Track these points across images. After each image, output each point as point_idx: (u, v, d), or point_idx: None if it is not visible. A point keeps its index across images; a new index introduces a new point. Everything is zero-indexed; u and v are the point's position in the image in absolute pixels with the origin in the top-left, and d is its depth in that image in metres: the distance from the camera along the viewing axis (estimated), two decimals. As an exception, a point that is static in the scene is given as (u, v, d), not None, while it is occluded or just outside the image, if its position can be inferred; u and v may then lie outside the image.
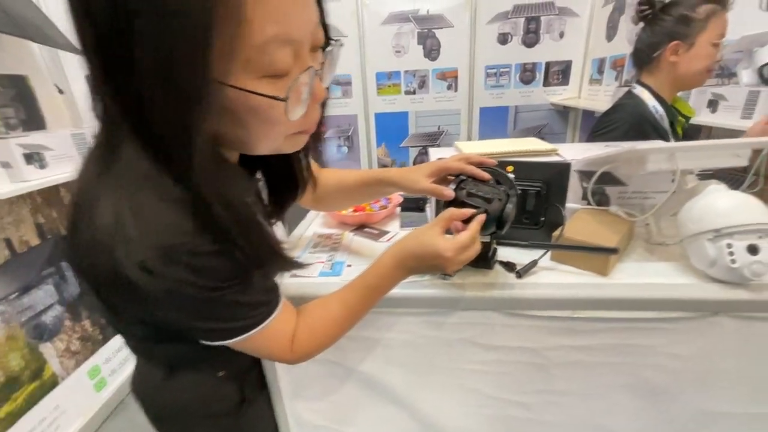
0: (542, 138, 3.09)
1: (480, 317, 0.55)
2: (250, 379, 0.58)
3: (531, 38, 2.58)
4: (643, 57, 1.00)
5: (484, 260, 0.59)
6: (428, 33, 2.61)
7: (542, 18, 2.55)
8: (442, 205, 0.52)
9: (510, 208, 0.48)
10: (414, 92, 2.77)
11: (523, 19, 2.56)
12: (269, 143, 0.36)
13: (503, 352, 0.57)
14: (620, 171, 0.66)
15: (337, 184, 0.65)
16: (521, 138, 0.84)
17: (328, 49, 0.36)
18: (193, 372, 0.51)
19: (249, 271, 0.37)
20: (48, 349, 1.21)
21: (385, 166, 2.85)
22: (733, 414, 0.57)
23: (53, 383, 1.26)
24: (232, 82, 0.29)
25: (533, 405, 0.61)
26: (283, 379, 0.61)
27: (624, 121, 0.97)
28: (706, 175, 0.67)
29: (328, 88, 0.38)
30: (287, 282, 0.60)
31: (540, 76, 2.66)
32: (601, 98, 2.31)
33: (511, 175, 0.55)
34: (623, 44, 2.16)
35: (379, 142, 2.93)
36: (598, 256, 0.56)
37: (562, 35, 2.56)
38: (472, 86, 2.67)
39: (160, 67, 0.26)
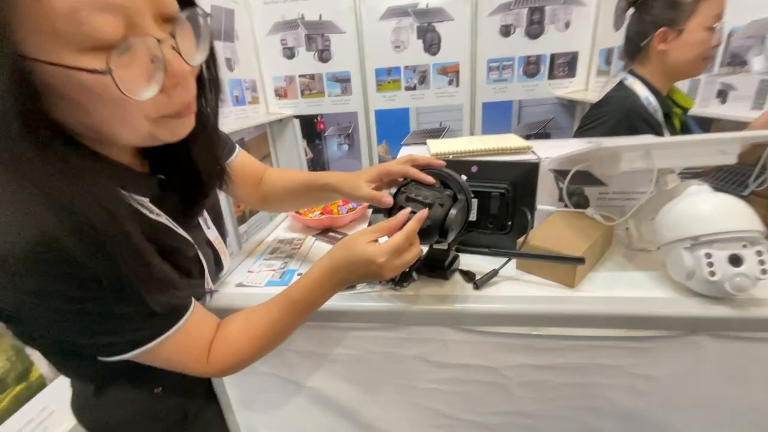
0: (548, 133, 3.01)
1: (432, 332, 0.50)
2: (195, 393, 0.55)
3: (535, 29, 2.48)
4: (633, 46, 0.93)
5: (440, 269, 0.54)
6: (428, 27, 2.54)
7: (547, 8, 2.45)
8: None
9: (454, 214, 0.43)
10: (414, 88, 2.70)
11: (526, 10, 2.46)
12: (130, 130, 0.31)
13: (459, 370, 0.52)
14: (597, 170, 0.60)
15: (283, 185, 0.61)
16: (498, 135, 0.78)
17: (181, 14, 0.31)
18: (127, 388, 0.48)
19: (119, 280, 0.32)
20: (35, 351, 1.22)
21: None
22: (719, 442, 0.51)
23: (41, 385, 1.26)
24: (44, 57, 0.25)
25: (496, 426, 0.56)
26: (231, 390, 0.58)
27: (611, 115, 0.90)
28: (697, 174, 0.61)
29: (210, 68, 0.35)
30: (231, 292, 0.56)
31: (545, 68, 2.56)
32: (609, 90, 2.21)
33: (464, 177, 0.50)
34: (631, 33, 2.05)
35: (379, 140, 2.89)
36: (564, 265, 0.51)
37: (567, 25, 2.45)
38: (474, 81, 2.59)
39: None
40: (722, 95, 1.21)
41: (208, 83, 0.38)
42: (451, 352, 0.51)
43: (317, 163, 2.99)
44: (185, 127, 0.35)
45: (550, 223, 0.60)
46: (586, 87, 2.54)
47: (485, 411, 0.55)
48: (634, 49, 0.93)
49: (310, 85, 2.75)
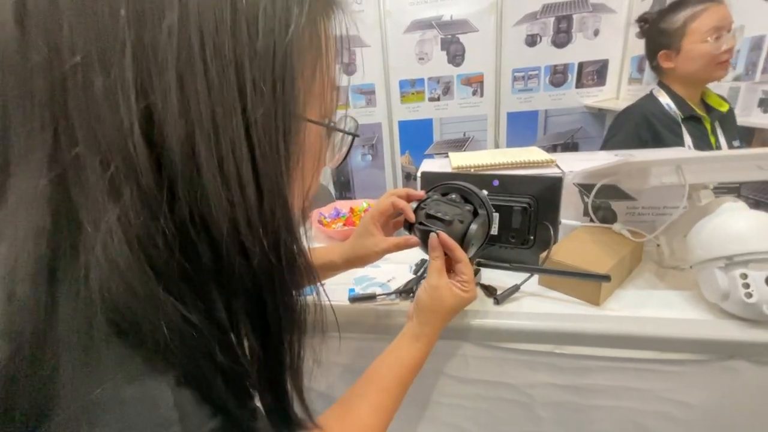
0: (576, 143, 2.93)
1: (452, 347, 0.50)
2: None
3: (562, 38, 2.45)
4: (650, 65, 1.06)
5: (460, 283, 0.54)
6: (452, 39, 2.56)
7: (574, 16, 2.41)
8: None
9: (474, 229, 0.43)
10: (438, 99, 2.72)
11: (552, 19, 2.43)
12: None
13: (480, 386, 0.52)
14: (625, 184, 0.58)
15: None
16: (521, 148, 0.78)
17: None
18: None
19: None
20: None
21: (409, 173, 2.81)
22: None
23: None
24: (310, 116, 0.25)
25: (518, 446, 0.55)
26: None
27: (628, 122, 1.00)
28: (732, 189, 0.58)
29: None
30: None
31: (572, 77, 2.51)
32: (640, 99, 2.14)
33: (485, 192, 0.50)
34: (664, 39, 1.98)
35: (402, 150, 2.91)
36: (589, 282, 0.49)
37: (596, 33, 2.40)
38: (498, 91, 2.57)
39: None
40: (764, 104, 1.14)
41: None
42: (472, 368, 0.51)
43: (341, 173, 3.04)
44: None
45: (575, 238, 0.58)
46: (617, 95, 2.47)
47: (508, 429, 0.54)
48: (651, 67, 1.06)
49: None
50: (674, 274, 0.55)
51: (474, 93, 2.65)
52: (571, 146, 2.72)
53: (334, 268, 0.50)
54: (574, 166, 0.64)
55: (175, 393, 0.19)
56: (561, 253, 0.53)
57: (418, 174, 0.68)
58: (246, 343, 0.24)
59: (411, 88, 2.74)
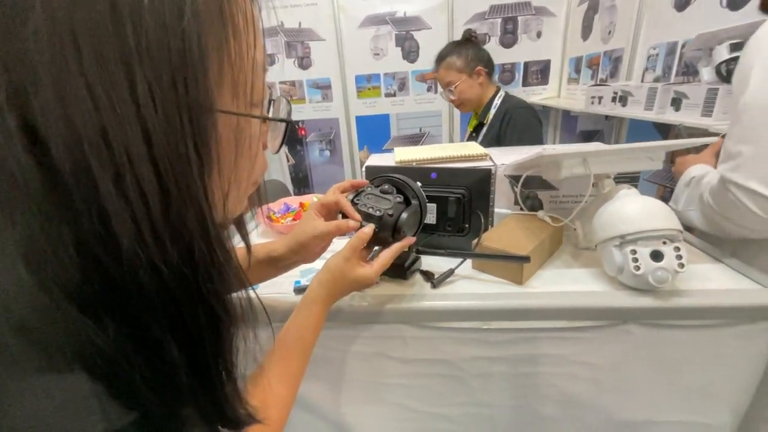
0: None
1: (392, 330, 0.54)
2: None
3: (509, 38, 2.57)
4: None
5: (400, 270, 0.58)
6: (406, 35, 2.60)
7: (519, 18, 2.54)
8: None
9: (405, 217, 0.47)
10: (394, 94, 2.76)
11: (500, 20, 2.55)
12: (243, 196, 0.29)
13: (420, 364, 0.56)
14: (545, 176, 0.65)
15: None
16: (460, 143, 0.83)
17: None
18: None
19: None
20: None
21: (367, 169, 2.84)
22: (655, 422, 0.56)
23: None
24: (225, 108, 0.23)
25: (456, 417, 0.59)
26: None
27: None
28: (634, 177, 0.66)
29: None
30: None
31: (519, 76, 2.65)
32: (578, 97, 2.30)
33: (419, 183, 0.54)
34: (597, 43, 2.15)
35: (361, 145, 2.93)
36: (513, 264, 0.55)
37: (539, 35, 2.55)
38: (451, 87, 2.66)
39: None
40: (676, 103, 1.29)
41: None
42: (411, 348, 0.55)
43: (299, 168, 3.00)
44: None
45: (504, 225, 0.64)
46: (559, 94, 2.64)
47: (446, 403, 0.59)
48: None
49: (291, 92, 2.77)
50: (587, 254, 0.62)
51: (428, 89, 2.72)
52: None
53: (279, 259, 0.50)
54: (505, 159, 0.70)
55: (92, 384, 0.19)
56: (490, 239, 0.58)
57: (363, 168, 0.71)
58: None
59: (367, 84, 2.75)
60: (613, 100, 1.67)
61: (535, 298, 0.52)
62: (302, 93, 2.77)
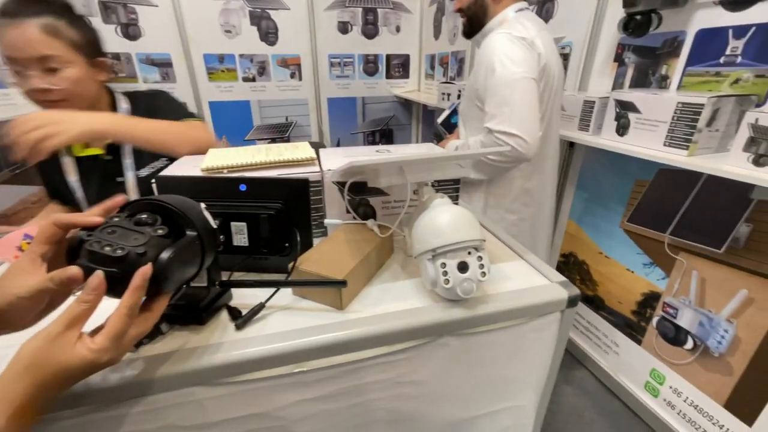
0: (391, 130, 3.16)
1: (180, 396, 0.42)
2: None
3: (370, 29, 2.58)
4: None
5: (193, 313, 0.46)
6: (262, 13, 2.35)
7: (379, 10, 2.56)
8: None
9: (165, 258, 0.34)
10: (254, 79, 2.49)
11: (360, 10, 2.52)
12: None
13: (224, 426, 0.45)
14: (370, 183, 0.60)
15: None
16: (293, 143, 0.73)
17: None
18: None
19: None
20: None
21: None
22: (478, 416, 0.59)
23: None
24: None
25: (285, 466, 0.52)
26: None
27: None
28: (456, 181, 0.68)
29: None
30: None
31: (382, 68, 2.70)
32: (434, 92, 2.47)
33: (203, 205, 0.42)
34: (446, 43, 2.32)
35: (219, 135, 2.57)
36: (332, 288, 0.49)
37: (398, 29, 2.62)
38: (317, 75, 2.54)
39: None
40: None
41: None
42: (211, 411, 0.44)
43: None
44: None
45: (331, 239, 0.58)
46: (419, 88, 2.79)
47: (269, 456, 0.50)
48: None
49: (116, 67, 2.23)
50: (415, 262, 0.61)
51: (292, 76, 2.54)
52: (387, 133, 2.97)
53: None
54: (336, 163, 0.63)
55: None
56: (307, 261, 0.51)
57: (153, 180, 0.55)
58: None
59: (220, 65, 2.41)
60: (458, 97, 1.81)
61: (354, 326, 0.46)
62: (132, 70, 2.26)
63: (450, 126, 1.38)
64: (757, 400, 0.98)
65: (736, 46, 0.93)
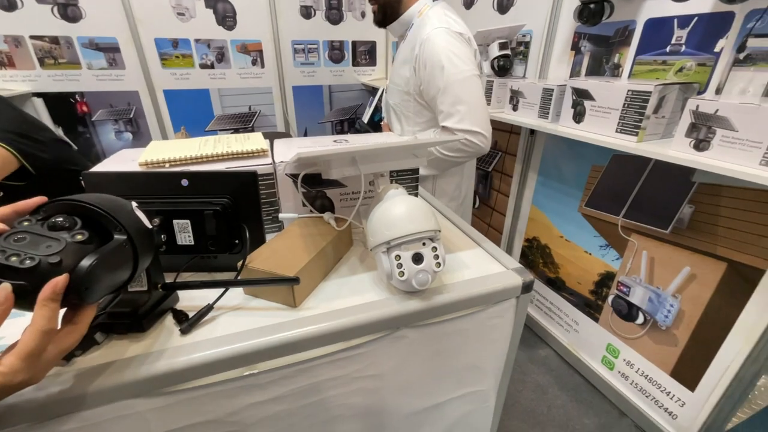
0: (358, 118, 3.11)
1: (117, 410, 0.39)
2: None
3: (335, 15, 2.50)
4: None
5: (133, 320, 0.42)
6: (218, -5, 2.22)
7: (342, -6, 2.48)
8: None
9: (85, 268, 0.31)
10: (212, 66, 2.36)
11: (323, -7, 2.44)
12: None
13: (176, 433, 0.43)
14: (324, 175, 0.58)
15: None
16: (243, 134, 0.70)
17: None
18: None
19: None
20: None
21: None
22: (441, 403, 0.60)
23: None
24: None
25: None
26: None
27: None
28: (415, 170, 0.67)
29: None
30: None
31: (348, 55, 2.63)
32: (400, 81, 2.44)
33: (134, 204, 0.38)
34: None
35: (177, 126, 2.44)
36: (284, 286, 0.47)
37: (363, 15, 2.56)
38: (280, 62, 2.44)
39: None
40: (512, 100, 1.39)
41: None
42: (155, 423, 0.41)
43: (88, 156, 2.30)
44: None
45: (285, 234, 0.55)
46: (386, 75, 2.76)
47: (225, 461, 0.48)
48: None
49: (55, 52, 2.04)
50: (372, 255, 0.60)
51: (254, 63, 2.43)
52: (355, 122, 2.91)
53: None
54: (291, 154, 0.61)
55: None
56: (257, 259, 0.48)
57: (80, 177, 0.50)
58: None
59: (174, 50, 2.26)
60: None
61: (308, 323, 0.45)
62: (74, 55, 2.08)
63: (374, 124, 1.38)
64: (699, 367, 1.06)
65: (680, 35, 0.98)
